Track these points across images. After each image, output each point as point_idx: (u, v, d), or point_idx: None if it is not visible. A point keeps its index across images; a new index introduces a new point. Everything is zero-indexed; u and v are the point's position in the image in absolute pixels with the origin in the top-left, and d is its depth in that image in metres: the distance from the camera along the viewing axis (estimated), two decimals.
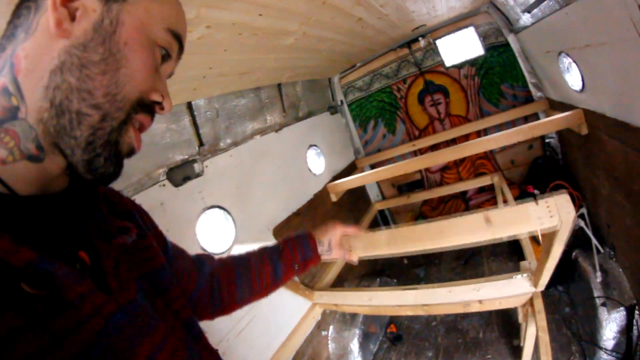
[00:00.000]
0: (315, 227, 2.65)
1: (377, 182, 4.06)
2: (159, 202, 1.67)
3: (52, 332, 0.38)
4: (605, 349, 1.88)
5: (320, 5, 1.51)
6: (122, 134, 0.49)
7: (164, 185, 1.72)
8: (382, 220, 4.12)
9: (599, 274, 2.03)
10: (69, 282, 0.41)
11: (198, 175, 1.90)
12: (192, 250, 1.70)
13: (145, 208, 1.57)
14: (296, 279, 2.37)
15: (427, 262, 3.65)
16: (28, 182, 0.45)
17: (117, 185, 1.41)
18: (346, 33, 2.22)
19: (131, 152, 0.52)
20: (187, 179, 1.84)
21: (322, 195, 3.03)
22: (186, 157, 1.88)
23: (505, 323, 2.49)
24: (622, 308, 1.86)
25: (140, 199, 1.56)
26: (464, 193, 3.74)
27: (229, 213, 2.06)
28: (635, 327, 1.81)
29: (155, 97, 0.52)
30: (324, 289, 2.40)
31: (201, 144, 1.97)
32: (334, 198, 3.12)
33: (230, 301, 0.91)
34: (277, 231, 2.35)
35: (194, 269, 0.85)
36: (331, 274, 2.62)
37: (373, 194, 4.07)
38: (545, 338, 1.35)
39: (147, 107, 0.51)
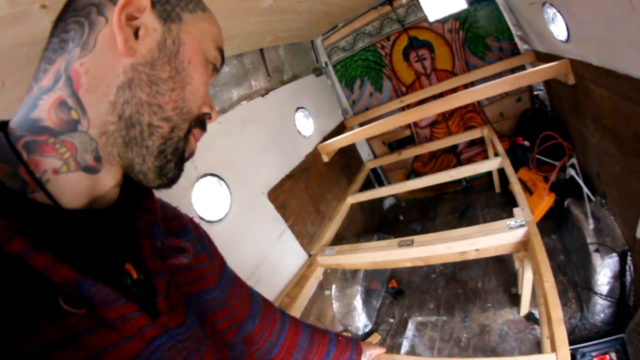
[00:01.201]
0: (310, 187, 2.72)
1: (368, 141, 4.09)
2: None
3: (86, 349, 0.38)
4: (600, 294, 1.95)
5: None
6: (187, 142, 0.53)
7: None
8: (376, 179, 4.20)
9: (591, 221, 2.09)
10: (109, 301, 0.41)
11: None
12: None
13: None
14: (295, 241, 2.46)
15: (422, 217, 3.76)
16: (77, 194, 0.45)
17: None
18: None
19: (190, 156, 0.56)
20: None
21: (313, 156, 3.07)
22: None
23: (503, 272, 2.60)
24: (614, 254, 1.92)
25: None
26: (454, 147, 3.78)
27: (222, 180, 2.09)
28: (628, 272, 1.89)
29: (206, 110, 0.56)
30: (323, 248, 2.50)
31: None
32: (325, 158, 3.16)
33: (286, 351, 0.92)
34: (272, 194, 2.40)
35: (248, 298, 0.85)
36: (329, 233, 2.71)
37: (364, 153, 4.11)
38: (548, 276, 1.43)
39: (201, 122, 0.56)
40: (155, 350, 0.45)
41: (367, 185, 3.82)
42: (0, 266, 0.34)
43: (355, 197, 3.20)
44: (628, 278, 1.90)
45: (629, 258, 1.89)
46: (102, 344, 0.39)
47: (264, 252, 2.17)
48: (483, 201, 3.50)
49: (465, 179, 3.86)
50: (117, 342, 0.41)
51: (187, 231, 0.70)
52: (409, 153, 3.80)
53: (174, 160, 0.51)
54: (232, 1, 1.54)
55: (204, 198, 1.98)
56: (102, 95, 0.45)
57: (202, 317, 0.60)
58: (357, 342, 1.12)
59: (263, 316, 0.88)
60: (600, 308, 1.98)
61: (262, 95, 2.68)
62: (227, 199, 2.09)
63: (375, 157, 4.14)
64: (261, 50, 2.70)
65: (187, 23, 0.51)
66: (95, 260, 0.43)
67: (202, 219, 1.89)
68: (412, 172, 4.07)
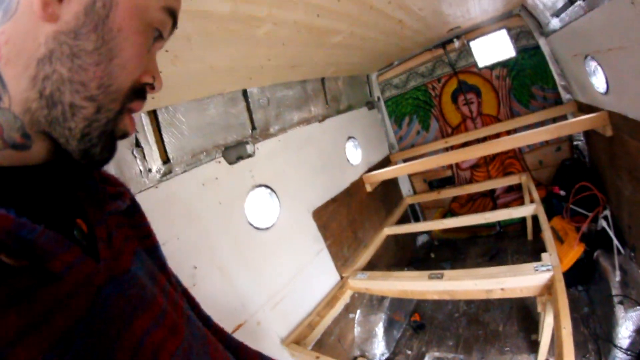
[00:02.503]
0: (351, 213, 2.85)
1: (410, 177, 4.20)
2: (214, 177, 1.90)
3: (36, 307, 0.35)
4: (620, 347, 1.93)
5: (368, 9, 1.72)
6: (118, 123, 0.47)
7: (219, 162, 1.96)
8: (412, 215, 4.26)
9: (618, 273, 2.09)
10: (53, 249, 0.37)
11: (250, 156, 2.11)
12: (241, 224, 1.94)
13: (201, 181, 1.82)
14: (331, 261, 2.57)
15: (453, 257, 3.76)
16: (9, 159, 0.41)
17: (179, 159, 1.67)
18: (387, 33, 2.41)
19: (124, 136, 0.50)
20: (240, 158, 2.05)
21: (357, 185, 3.21)
22: (240, 138, 2.11)
23: (525, 318, 2.58)
24: (639, 307, 1.91)
25: (197, 172, 1.81)
26: (492, 191, 3.82)
27: (274, 192, 2.27)
28: None
29: (147, 80, 0.49)
30: (356, 272, 2.59)
31: (254, 127, 2.21)
32: (368, 188, 3.29)
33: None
34: (316, 213, 2.55)
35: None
36: (363, 259, 2.80)
37: (405, 188, 4.22)
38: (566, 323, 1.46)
39: (140, 92, 0.49)
40: (105, 299, 0.43)
41: (403, 220, 3.89)
42: None
43: (392, 229, 3.29)
44: None
45: None
46: (53, 298, 0.37)
47: (301, 266, 2.30)
48: (514, 247, 3.47)
49: (499, 223, 3.88)
50: (68, 295, 0.38)
51: (123, 194, 0.62)
52: (448, 193, 3.87)
53: (100, 144, 0.45)
54: (308, 35, 1.76)
55: (255, 206, 2.15)
56: (23, 68, 0.40)
57: (154, 271, 0.58)
58: None
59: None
60: None
61: (319, 121, 2.90)
62: (276, 211, 2.26)
63: (415, 193, 4.23)
64: (322, 79, 2.93)
65: None
66: (42, 214, 0.40)
67: (250, 224, 2.06)
68: (449, 212, 4.11)
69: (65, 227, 0.45)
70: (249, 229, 2.05)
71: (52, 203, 0.46)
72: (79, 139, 0.43)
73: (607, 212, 2.39)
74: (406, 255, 3.92)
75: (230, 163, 2.02)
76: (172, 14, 0.50)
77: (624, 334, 1.94)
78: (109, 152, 0.47)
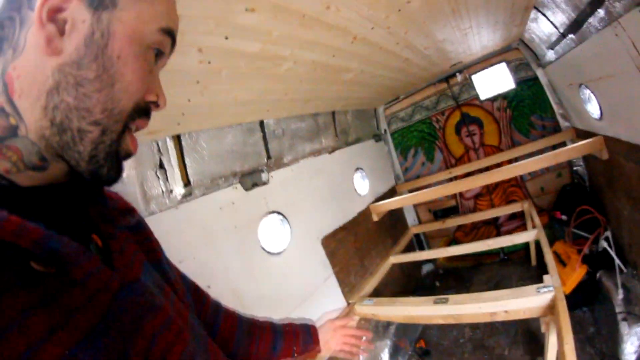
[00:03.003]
0: (358, 242, 2.92)
1: (415, 207, 4.29)
2: (231, 202, 1.99)
3: (62, 308, 0.39)
4: None
5: (378, 50, 1.89)
6: (121, 143, 0.50)
7: (236, 188, 2.06)
8: (417, 244, 4.32)
9: (620, 291, 2.16)
10: (77, 259, 0.42)
11: (264, 183, 2.22)
12: (254, 248, 2.02)
13: (218, 205, 1.92)
14: (338, 287, 2.62)
15: (458, 285, 3.78)
16: (30, 182, 0.46)
17: (199, 182, 1.77)
18: (394, 70, 2.58)
19: (128, 156, 0.53)
20: (255, 185, 2.16)
21: (365, 214, 3.29)
22: (256, 166, 2.23)
23: (530, 342, 2.60)
24: None
25: (215, 196, 1.90)
26: (496, 219, 3.89)
27: (286, 219, 2.37)
28: None
29: (150, 98, 0.53)
30: (362, 298, 2.63)
31: (269, 157, 2.33)
32: (375, 218, 3.37)
33: (225, 344, 0.89)
34: (325, 240, 2.63)
35: (181, 277, 0.86)
36: (369, 287, 2.84)
37: (410, 218, 4.30)
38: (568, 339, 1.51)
39: (143, 111, 0.53)
40: (121, 302, 0.47)
41: (409, 249, 3.94)
42: None
43: (398, 258, 3.33)
44: None
45: None
46: (76, 301, 0.41)
47: (310, 291, 2.35)
48: (518, 273, 3.48)
49: (503, 251, 3.91)
50: (88, 299, 0.43)
51: (132, 212, 0.70)
52: (453, 222, 3.94)
53: (106, 165, 0.49)
54: (323, 73, 1.92)
55: (268, 231, 2.24)
56: (35, 99, 0.44)
57: (161, 282, 0.62)
58: (310, 328, 1.10)
59: (196, 293, 0.90)
60: None
61: (329, 152, 3.03)
62: (287, 237, 2.34)
63: (420, 222, 4.31)
64: (333, 112, 3.09)
65: (121, 9, 0.47)
66: (62, 229, 0.43)
67: (263, 248, 2.14)
68: (453, 241, 4.16)
69: (83, 241, 0.49)
70: (261, 253, 2.12)
71: (70, 219, 0.50)
72: (88, 161, 0.47)
73: (608, 233, 2.46)
74: (411, 283, 3.94)
75: (246, 189, 2.12)
76: (170, 34, 0.53)
77: (629, 350, 1.97)
78: (116, 172, 0.51)
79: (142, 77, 0.50)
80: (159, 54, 0.53)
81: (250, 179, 2.15)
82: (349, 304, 2.60)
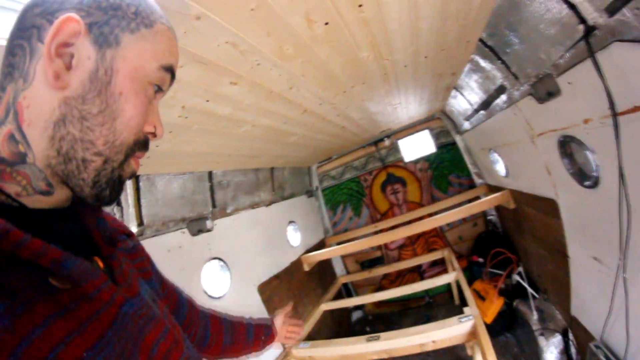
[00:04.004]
0: (291, 290, 3.08)
1: (343, 258, 4.59)
2: (178, 245, 2.09)
3: (77, 318, 0.44)
4: None
5: (321, 119, 2.25)
6: (124, 169, 0.53)
7: (184, 232, 2.17)
8: (346, 293, 4.55)
9: (535, 313, 2.55)
10: (88, 276, 0.47)
11: (209, 230, 2.32)
12: (197, 291, 2.10)
13: (167, 248, 2.03)
14: None
15: (387, 329, 3.97)
16: (38, 203, 0.49)
17: (151, 224, 1.87)
18: (331, 135, 2.98)
19: (132, 176, 0.56)
20: (200, 231, 2.26)
21: (297, 264, 3.49)
22: (203, 213, 2.37)
23: None
24: (557, 334, 2.34)
25: (163, 239, 1.99)
26: (419, 267, 4.30)
27: (227, 265, 2.49)
28: (572, 345, 2.28)
29: (149, 129, 0.55)
30: (298, 342, 2.75)
31: (214, 205, 2.49)
32: (306, 268, 3.56)
33: (215, 344, 1.00)
34: (261, 287, 2.76)
35: (174, 290, 0.93)
36: (302, 333, 2.97)
37: (339, 268, 4.56)
38: (491, 356, 1.79)
39: (143, 143, 0.55)
40: (125, 315, 0.51)
41: (338, 297, 4.14)
42: None
43: (328, 305, 3.52)
44: (573, 350, 2.28)
45: (570, 334, 2.30)
46: (87, 313, 0.46)
47: None
48: (443, 313, 3.77)
49: (428, 294, 4.29)
50: (98, 310, 0.47)
51: (130, 234, 0.76)
52: (379, 271, 4.27)
53: (109, 188, 0.52)
54: (272, 135, 2.21)
55: (210, 275, 2.34)
56: (42, 129, 0.46)
57: (154, 297, 0.66)
58: (270, 320, 1.31)
59: (189, 307, 0.96)
60: None
61: (267, 205, 3.26)
62: (227, 282, 2.45)
63: (348, 273, 4.59)
64: (272, 169, 3.37)
65: (125, 47, 0.50)
66: (69, 249, 0.46)
67: (205, 292, 2.22)
68: (380, 289, 4.45)
69: (89, 260, 0.52)
70: (203, 296, 2.20)
71: (75, 240, 0.54)
72: (91, 186, 0.50)
73: (520, 268, 2.92)
74: (343, 330, 4.10)
75: (193, 235, 2.23)
76: (170, 70, 0.56)
77: (550, 357, 2.33)
78: (117, 193, 0.54)
79: (141, 112, 0.52)
80: (158, 89, 0.56)
81: (197, 225, 2.26)
82: (284, 347, 2.70)
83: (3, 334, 0.36)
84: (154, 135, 0.57)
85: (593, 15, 1.06)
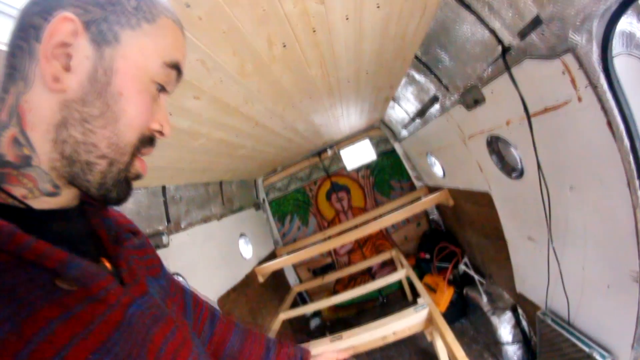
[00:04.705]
0: (249, 302, 3.13)
1: (295, 268, 4.68)
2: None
3: (83, 319, 0.42)
4: (507, 342, 2.55)
5: (270, 132, 2.40)
6: (130, 169, 0.52)
7: None
8: (302, 301, 4.63)
9: (484, 296, 2.81)
10: (94, 278, 0.45)
11: (165, 246, 2.32)
12: None
13: None
14: None
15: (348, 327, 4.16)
16: (45, 204, 0.49)
17: None
18: (278, 147, 3.12)
19: (138, 178, 0.55)
20: (157, 247, 2.24)
21: (251, 276, 3.53)
22: (158, 229, 2.37)
23: (425, 356, 3.08)
24: (507, 311, 2.58)
25: None
26: (370, 269, 4.51)
27: (185, 280, 2.49)
28: (522, 318, 2.52)
29: (155, 127, 0.54)
30: None
31: (169, 221, 2.49)
32: (260, 279, 3.61)
33: (219, 340, 0.90)
34: (221, 301, 2.78)
35: (182, 288, 0.87)
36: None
37: (292, 278, 4.65)
38: (450, 337, 1.95)
39: (148, 140, 0.54)
40: (132, 316, 0.50)
41: (294, 306, 4.18)
42: (3, 267, 0.39)
43: (286, 314, 3.57)
44: (524, 323, 2.52)
45: (518, 309, 2.55)
46: (93, 315, 0.44)
47: None
48: (398, 309, 3.85)
49: (381, 294, 4.49)
50: (104, 312, 0.45)
51: (137, 231, 0.74)
52: (331, 277, 4.40)
53: (115, 189, 0.51)
54: (224, 148, 2.30)
55: None
56: (44, 133, 0.46)
57: (163, 296, 0.65)
58: (304, 351, 1.09)
59: (194, 301, 0.89)
60: (512, 352, 2.55)
61: (218, 219, 3.29)
62: None
63: (301, 281, 4.69)
64: (220, 182, 3.41)
65: (125, 45, 0.48)
66: (76, 250, 0.45)
67: None
68: (334, 294, 4.54)
69: (95, 261, 0.53)
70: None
71: (81, 240, 0.53)
72: (97, 188, 0.49)
73: (465, 259, 3.18)
74: (303, 338, 4.14)
75: None
76: (175, 67, 0.54)
77: (504, 333, 2.57)
78: (124, 193, 0.53)
79: (144, 111, 0.51)
80: (163, 87, 0.54)
81: (153, 241, 2.24)
82: None
83: (8, 337, 0.35)
84: (161, 133, 0.56)
85: (508, 39, 1.33)
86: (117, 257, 0.57)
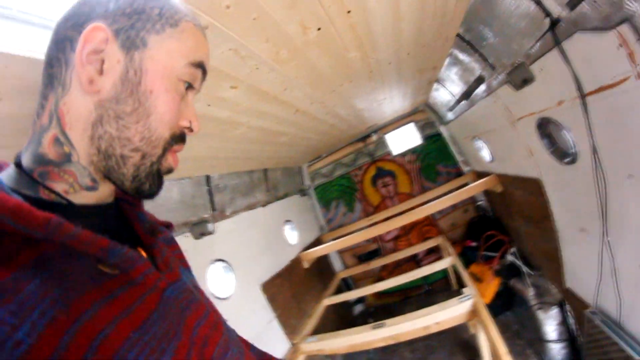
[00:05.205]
0: (293, 287, 3.18)
1: (340, 253, 4.69)
2: (183, 249, 2.16)
3: (124, 301, 0.47)
4: (552, 340, 2.44)
5: (312, 119, 2.35)
6: (162, 163, 0.56)
7: (187, 236, 2.23)
8: (346, 287, 4.63)
9: (531, 289, 2.66)
10: (134, 263, 0.50)
11: (210, 233, 2.38)
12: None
13: None
14: (281, 330, 2.82)
15: (389, 318, 4.14)
16: (85, 198, 0.53)
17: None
18: (321, 133, 3.08)
19: (170, 171, 0.59)
20: (202, 234, 2.32)
21: (296, 262, 3.58)
22: (204, 217, 2.44)
23: (466, 348, 3.02)
24: (554, 306, 2.44)
25: None
26: (415, 256, 4.41)
27: (230, 266, 2.57)
28: (569, 315, 2.39)
29: (184, 124, 0.58)
30: (305, 337, 2.85)
31: (214, 209, 2.56)
32: (305, 265, 3.66)
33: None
34: (265, 286, 2.84)
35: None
36: (309, 327, 3.05)
37: (337, 264, 4.66)
38: (494, 330, 1.89)
39: (179, 137, 0.58)
40: (167, 299, 0.54)
41: (338, 292, 4.20)
42: (51, 254, 0.43)
43: (330, 300, 3.62)
44: (571, 320, 2.39)
45: (566, 305, 2.41)
46: (133, 297, 0.48)
47: (256, 334, 2.52)
48: (443, 299, 3.79)
49: (426, 282, 4.39)
50: (143, 295, 0.50)
51: (169, 226, 0.81)
52: (376, 263, 4.38)
53: (148, 182, 0.55)
54: (265, 136, 2.30)
55: (215, 277, 2.42)
56: (82, 131, 0.50)
57: (195, 285, 0.70)
58: None
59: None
60: (557, 351, 2.44)
61: (263, 206, 3.34)
62: (233, 283, 2.53)
63: (346, 267, 4.68)
64: (265, 170, 3.45)
65: (151, 48, 0.52)
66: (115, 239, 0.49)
67: (212, 293, 2.29)
68: (379, 280, 4.50)
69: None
70: (211, 298, 2.27)
71: (119, 231, 0.58)
72: (131, 180, 0.53)
73: (513, 248, 3.05)
74: (346, 324, 4.15)
75: (196, 238, 2.28)
76: (200, 66, 0.58)
77: (549, 330, 2.45)
78: (157, 187, 0.57)
79: (173, 107, 0.55)
80: (190, 85, 0.58)
81: (199, 229, 2.32)
82: (293, 344, 2.79)
83: (58, 315, 0.39)
84: (190, 130, 0.59)
85: (557, 10, 1.19)
86: (151, 246, 0.61)
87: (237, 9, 0.93)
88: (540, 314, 2.51)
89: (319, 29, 1.20)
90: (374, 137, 4.47)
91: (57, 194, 0.50)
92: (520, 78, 1.69)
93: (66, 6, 0.54)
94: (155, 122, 0.53)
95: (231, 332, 0.72)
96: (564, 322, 2.44)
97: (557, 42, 1.29)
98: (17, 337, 0.35)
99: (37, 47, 0.77)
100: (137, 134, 0.51)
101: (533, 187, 2.30)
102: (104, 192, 0.56)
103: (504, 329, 2.97)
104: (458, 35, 1.85)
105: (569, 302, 2.39)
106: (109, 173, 0.53)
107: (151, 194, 0.57)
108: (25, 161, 0.52)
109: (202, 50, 0.59)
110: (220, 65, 1.17)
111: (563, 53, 1.30)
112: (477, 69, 2.10)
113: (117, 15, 0.51)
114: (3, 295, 0.37)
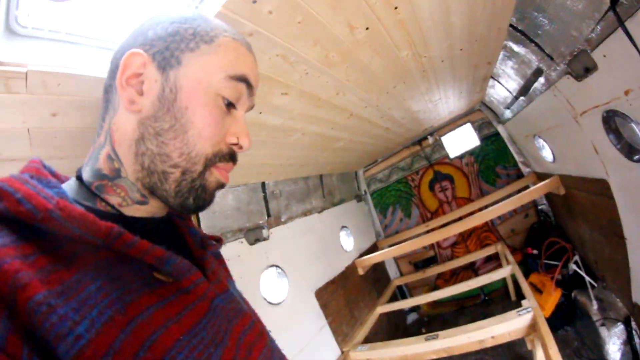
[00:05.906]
0: (347, 294, 3.13)
1: (396, 260, 4.55)
2: (237, 254, 2.19)
3: (175, 307, 0.50)
4: None
5: (367, 123, 2.30)
6: (206, 178, 0.57)
7: (241, 242, 2.27)
8: (401, 295, 4.50)
9: (594, 302, 2.43)
10: (186, 272, 0.53)
11: (265, 239, 2.41)
12: (256, 298, 2.18)
13: (225, 258, 2.12)
14: (332, 337, 2.77)
15: (444, 329, 3.93)
16: (137, 212, 0.58)
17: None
18: (376, 137, 3.01)
19: (221, 186, 0.60)
20: (257, 240, 2.35)
21: (351, 269, 3.52)
22: (258, 223, 2.47)
23: None
24: (619, 323, 2.21)
25: (223, 249, 2.03)
26: (472, 264, 4.16)
27: (284, 272, 2.57)
28: (635, 335, 2.15)
29: (231, 140, 0.58)
30: (356, 345, 2.78)
31: (269, 215, 2.59)
32: (360, 272, 3.59)
33: None
34: (318, 293, 2.82)
35: None
36: (360, 335, 2.98)
37: (392, 271, 4.53)
38: (553, 348, 1.71)
39: (225, 156, 0.58)
40: (216, 307, 0.57)
41: (393, 300, 4.08)
42: (110, 260, 0.47)
43: (384, 307, 3.51)
44: (637, 340, 2.13)
45: (632, 322, 2.15)
46: (184, 304, 0.52)
47: (306, 340, 2.49)
48: (500, 310, 3.59)
49: (483, 292, 4.14)
50: (193, 302, 0.53)
51: (219, 240, 0.78)
52: (432, 271, 4.18)
53: (192, 197, 0.56)
54: (321, 142, 2.29)
55: (268, 282, 2.42)
56: (128, 148, 0.54)
57: (241, 297, 0.72)
58: None
59: None
60: None
61: (319, 212, 3.33)
62: (286, 289, 2.53)
63: (402, 275, 4.54)
64: (321, 176, 3.44)
65: (186, 65, 0.54)
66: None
67: (264, 299, 2.30)
68: (435, 289, 4.33)
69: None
70: (263, 303, 2.27)
71: (170, 243, 0.58)
72: (174, 196, 0.55)
73: (576, 257, 2.78)
74: (399, 333, 4.06)
75: (250, 244, 2.32)
76: (242, 79, 0.58)
77: (613, 349, 2.21)
78: (203, 201, 0.58)
79: (212, 123, 0.55)
80: (230, 102, 0.58)
81: (254, 235, 2.35)
82: (343, 352, 2.73)
83: (115, 314, 0.42)
84: (240, 147, 0.59)
85: None
86: (202, 258, 0.64)
87: (280, 13, 0.91)
88: (604, 331, 2.30)
89: (367, 28, 1.15)
90: (431, 140, 4.28)
91: (112, 206, 0.55)
92: (582, 67, 1.52)
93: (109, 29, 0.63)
94: (193, 138, 0.53)
95: (274, 342, 0.73)
96: (628, 341, 2.18)
97: (620, 22, 1.14)
98: (78, 332, 0.38)
99: (85, 65, 0.80)
100: (176, 149, 0.53)
101: (599, 189, 2.07)
102: (154, 207, 0.59)
103: (563, 346, 2.71)
104: (511, 25, 1.71)
105: (636, 319, 2.13)
106: (153, 190, 0.55)
107: (197, 209, 0.58)
108: (85, 175, 0.57)
109: (243, 64, 0.59)
110: (269, 72, 1.16)
111: (628, 33, 1.14)
112: (533, 60, 1.92)
113: (154, 40, 0.55)
114: (67, 293, 0.40)
